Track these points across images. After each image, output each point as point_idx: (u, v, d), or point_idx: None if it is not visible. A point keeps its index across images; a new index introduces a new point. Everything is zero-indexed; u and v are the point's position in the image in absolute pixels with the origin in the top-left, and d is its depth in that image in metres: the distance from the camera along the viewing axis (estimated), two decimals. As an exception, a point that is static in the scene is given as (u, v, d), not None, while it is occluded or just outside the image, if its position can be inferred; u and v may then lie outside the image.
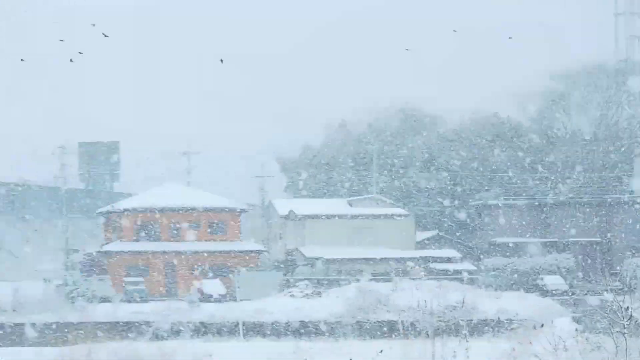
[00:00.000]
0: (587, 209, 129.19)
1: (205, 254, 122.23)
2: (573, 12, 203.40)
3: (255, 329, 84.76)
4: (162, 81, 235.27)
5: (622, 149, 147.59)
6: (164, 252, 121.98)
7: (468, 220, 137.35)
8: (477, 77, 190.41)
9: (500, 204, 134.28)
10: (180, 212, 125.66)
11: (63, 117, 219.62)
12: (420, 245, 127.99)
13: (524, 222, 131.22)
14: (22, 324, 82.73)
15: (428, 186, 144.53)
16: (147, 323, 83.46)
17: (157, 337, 75.14)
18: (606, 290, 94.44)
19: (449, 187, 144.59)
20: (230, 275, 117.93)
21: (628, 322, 39.70)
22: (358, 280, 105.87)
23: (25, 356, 39.83)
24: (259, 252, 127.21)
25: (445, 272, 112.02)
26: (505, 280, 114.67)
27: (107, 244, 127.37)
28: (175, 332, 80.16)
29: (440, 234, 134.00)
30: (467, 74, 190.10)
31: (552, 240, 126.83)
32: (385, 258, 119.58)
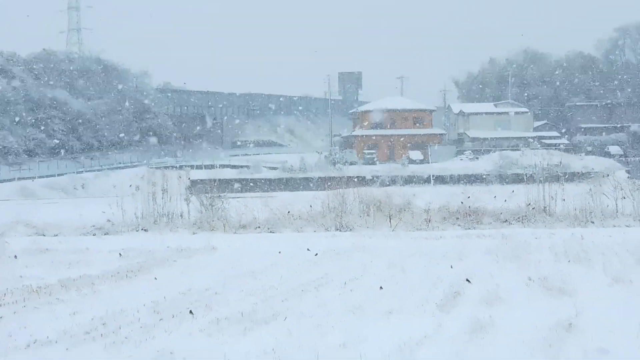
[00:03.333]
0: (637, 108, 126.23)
1: (411, 136, 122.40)
2: None
3: (440, 179, 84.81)
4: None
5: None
6: (387, 135, 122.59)
7: (565, 114, 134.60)
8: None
9: (583, 105, 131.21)
10: (396, 111, 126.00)
11: (328, 58, 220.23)
12: (536, 129, 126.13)
13: (597, 115, 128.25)
14: (306, 178, 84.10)
15: (540, 95, 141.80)
16: (377, 176, 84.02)
17: (382, 184, 75.53)
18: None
19: (553, 96, 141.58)
20: (425, 148, 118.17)
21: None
22: (500, 150, 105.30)
23: (305, 197, 40.39)
24: (442, 134, 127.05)
25: (551, 144, 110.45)
26: (586, 149, 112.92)
27: (354, 130, 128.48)
28: (393, 181, 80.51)
29: (548, 122, 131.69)
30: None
31: (613, 125, 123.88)
32: (515, 137, 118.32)
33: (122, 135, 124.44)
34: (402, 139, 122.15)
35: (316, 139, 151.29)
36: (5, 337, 13.60)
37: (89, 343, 13.14)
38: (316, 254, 24.57)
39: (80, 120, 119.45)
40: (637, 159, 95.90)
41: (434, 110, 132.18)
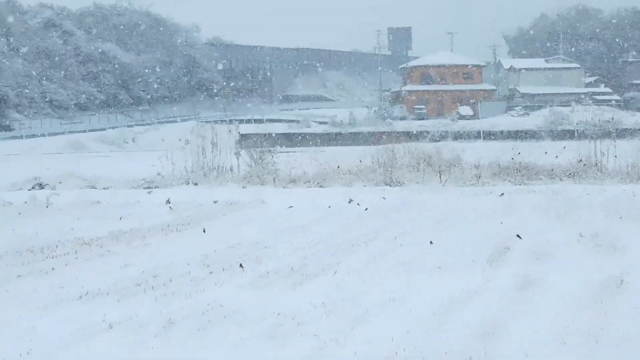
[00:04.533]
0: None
1: (460, 92, 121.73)
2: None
3: (490, 135, 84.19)
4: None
5: None
6: (437, 91, 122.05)
7: (617, 70, 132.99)
8: None
9: (635, 61, 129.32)
10: (446, 67, 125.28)
11: (378, 13, 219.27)
12: (587, 85, 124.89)
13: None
14: (355, 133, 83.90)
15: (592, 51, 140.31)
16: (427, 132, 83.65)
17: (432, 139, 75.26)
18: None
19: (605, 52, 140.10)
20: (475, 103, 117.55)
21: None
22: (550, 106, 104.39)
23: (355, 152, 40.42)
24: (492, 90, 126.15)
25: (602, 101, 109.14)
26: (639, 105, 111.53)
27: (404, 85, 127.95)
28: (443, 137, 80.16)
29: (599, 79, 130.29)
30: None
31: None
32: (566, 93, 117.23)
33: (171, 89, 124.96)
34: (451, 95, 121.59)
35: (365, 94, 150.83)
36: (57, 288, 13.74)
37: (139, 295, 13.25)
38: (366, 209, 24.56)
39: (130, 75, 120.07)
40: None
41: (484, 66, 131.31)
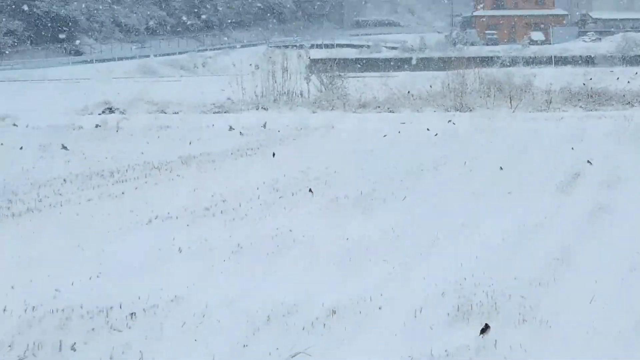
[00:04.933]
0: None
1: (532, 17, 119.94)
2: None
3: (561, 60, 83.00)
4: None
5: None
6: (508, 16, 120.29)
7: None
8: None
9: None
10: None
11: None
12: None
13: None
14: (425, 58, 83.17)
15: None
16: (498, 57, 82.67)
17: (502, 65, 74.20)
18: None
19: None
20: (547, 29, 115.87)
21: None
22: (623, 31, 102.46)
23: (426, 77, 40.07)
24: (564, 15, 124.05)
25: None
26: None
27: (475, 10, 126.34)
28: (514, 63, 79.04)
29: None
30: None
31: None
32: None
33: (242, 14, 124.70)
34: (523, 20, 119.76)
35: (436, 19, 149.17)
36: (127, 212, 13.82)
37: (209, 219, 13.28)
38: (436, 134, 24.39)
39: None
40: None
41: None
